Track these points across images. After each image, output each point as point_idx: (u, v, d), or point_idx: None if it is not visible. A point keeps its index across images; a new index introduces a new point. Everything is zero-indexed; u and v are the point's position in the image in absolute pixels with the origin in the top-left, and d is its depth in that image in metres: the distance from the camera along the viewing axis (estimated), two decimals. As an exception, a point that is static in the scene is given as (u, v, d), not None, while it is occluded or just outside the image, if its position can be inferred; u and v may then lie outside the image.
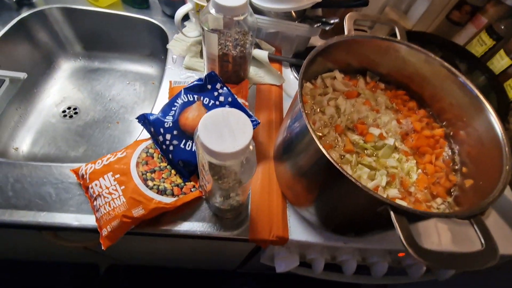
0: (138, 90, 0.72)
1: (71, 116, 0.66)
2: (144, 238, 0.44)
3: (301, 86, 0.34)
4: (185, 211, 0.43)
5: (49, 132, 0.63)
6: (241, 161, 0.32)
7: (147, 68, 0.75)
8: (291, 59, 0.63)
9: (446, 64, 0.39)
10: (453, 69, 0.39)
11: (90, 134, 0.64)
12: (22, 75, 0.49)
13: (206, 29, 0.46)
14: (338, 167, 0.28)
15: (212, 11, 0.43)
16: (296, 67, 0.64)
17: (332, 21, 0.55)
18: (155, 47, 0.71)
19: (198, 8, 0.55)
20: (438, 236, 0.47)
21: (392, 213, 0.27)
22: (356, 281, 0.54)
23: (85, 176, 0.41)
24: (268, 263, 0.55)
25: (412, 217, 0.28)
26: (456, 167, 0.40)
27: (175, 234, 0.41)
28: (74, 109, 0.67)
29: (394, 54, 0.44)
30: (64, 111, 0.67)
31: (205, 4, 0.54)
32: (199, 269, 1.13)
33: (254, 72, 0.60)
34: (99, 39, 0.72)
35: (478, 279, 0.67)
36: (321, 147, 0.29)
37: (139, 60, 0.75)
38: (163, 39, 0.66)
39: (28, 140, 0.60)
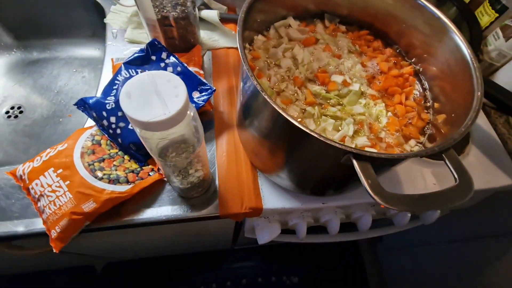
0: (88, 77, 0.65)
1: (16, 117, 0.60)
2: (117, 231, 0.40)
3: (241, 40, 0.29)
4: (146, 197, 0.39)
5: (-7, 137, 0.57)
6: (182, 132, 0.28)
7: (93, 51, 0.68)
8: (246, 16, 0.57)
9: None
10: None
11: (40, 133, 0.58)
12: None
13: (134, -12, 0.40)
14: (292, 120, 0.24)
15: (133, -37, 0.36)
16: (253, 25, 0.58)
17: (281, -37, 0.48)
18: (96, 25, 0.63)
19: (128, -31, 0.48)
20: (424, 181, 0.46)
21: (354, 162, 0.24)
22: (344, 239, 0.53)
23: (23, 177, 0.36)
24: (251, 236, 0.53)
25: (378, 162, 0.25)
26: (428, 104, 0.37)
27: (138, 223, 0.38)
28: (18, 108, 0.61)
29: (350, -12, 0.39)
30: (7, 112, 0.60)
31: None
32: (196, 252, 1.12)
33: (207, 36, 0.54)
34: (32, 25, 0.63)
35: (466, 215, 0.68)
36: (270, 101, 0.25)
37: (82, 43, 0.67)
38: (101, 14, 0.58)
39: (-31, 149, 0.54)
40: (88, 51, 0.68)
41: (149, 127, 0.24)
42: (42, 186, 0.35)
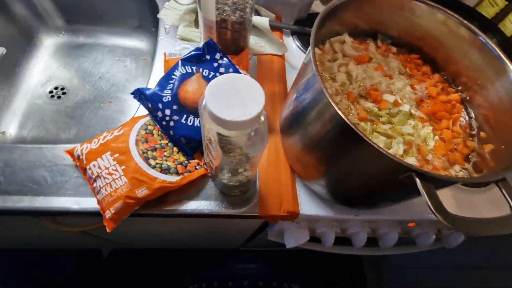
0: (129, 66, 0.67)
1: (59, 97, 0.62)
2: (147, 220, 0.42)
3: (313, 46, 0.30)
4: (190, 189, 0.41)
5: (36, 114, 0.59)
6: (249, 132, 0.30)
7: (136, 42, 0.70)
8: (293, 26, 0.59)
9: (467, 23, 0.36)
10: (475, 29, 0.36)
11: (81, 115, 0.60)
12: (1, 50, 0.44)
13: (202, -10, 0.42)
14: (359, 132, 0.26)
15: (209, -32, 0.38)
16: (298, 35, 0.60)
17: (338, -19, 0.50)
18: (144, 18, 0.66)
19: (191, -30, 0.50)
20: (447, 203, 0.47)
21: (418, 180, 0.25)
22: (365, 253, 0.54)
23: (81, 157, 0.38)
24: (275, 239, 0.55)
25: (437, 183, 0.26)
26: (473, 132, 0.38)
27: (182, 213, 0.39)
28: (62, 89, 0.63)
29: (407, 14, 0.41)
30: (51, 92, 0.62)
31: (198, -36, 0.49)
32: (202, 249, 1.14)
33: (254, 41, 0.56)
34: (82, 10, 0.66)
35: (483, 246, 0.69)
36: (338, 111, 0.27)
37: (128, 33, 0.70)
38: (153, 8, 0.60)
39: (15, 123, 0.56)
40: (132, 41, 0.70)
41: (230, 126, 0.26)
42: (99, 167, 0.36)
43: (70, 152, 0.39)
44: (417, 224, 0.49)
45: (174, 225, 0.56)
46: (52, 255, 1.07)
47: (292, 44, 0.60)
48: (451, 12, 0.37)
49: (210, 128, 0.29)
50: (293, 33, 0.60)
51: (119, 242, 0.88)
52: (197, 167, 0.41)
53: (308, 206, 0.43)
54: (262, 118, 0.29)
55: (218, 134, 0.28)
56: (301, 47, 0.59)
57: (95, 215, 0.37)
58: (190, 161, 0.41)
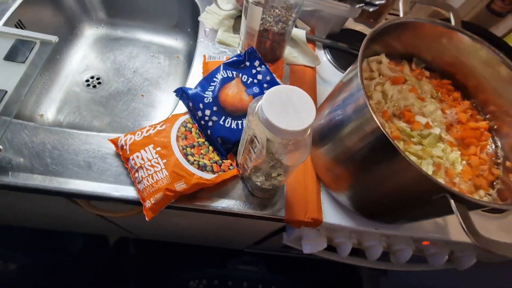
0: (163, 63, 0.70)
1: (94, 86, 0.64)
2: (171, 212, 0.44)
3: (361, 64, 0.33)
4: (221, 188, 0.43)
5: (73, 101, 0.61)
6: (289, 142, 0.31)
7: (171, 41, 0.73)
8: (327, 40, 0.61)
9: (509, 61, 0.38)
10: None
11: (114, 106, 0.63)
12: (54, 38, 0.46)
13: (251, 1, 0.44)
14: (401, 152, 0.28)
15: (262, -18, 0.40)
16: (330, 49, 0.62)
17: (377, 2, 0.52)
18: (182, 18, 0.69)
19: (237, -21, 0.53)
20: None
21: (452, 202, 0.27)
22: (378, 267, 0.55)
23: (124, 147, 0.40)
24: (291, 244, 0.56)
25: (470, 206, 0.28)
26: (499, 160, 0.40)
27: (214, 210, 0.41)
28: (98, 78, 0.66)
29: (445, 42, 0.42)
30: (87, 80, 0.65)
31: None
32: (206, 246, 1.15)
33: (287, 51, 0.58)
34: (124, 5, 0.69)
35: (493, 270, 0.70)
36: (383, 130, 0.29)
37: (164, 31, 0.72)
38: (193, 10, 0.63)
39: (53, 108, 0.59)
40: (167, 40, 0.73)
41: (282, 133, 0.28)
42: (142, 159, 0.39)
43: (114, 141, 0.42)
44: (432, 243, 0.51)
45: (195, 219, 0.58)
46: (61, 236, 1.09)
47: (323, 57, 0.62)
48: (494, 49, 0.39)
49: (259, 132, 0.31)
50: (325, 47, 0.63)
51: (130, 231, 0.90)
52: (230, 167, 0.43)
53: (331, 215, 0.44)
54: (308, 131, 0.31)
55: (268, 140, 0.30)
56: (331, 61, 0.61)
57: (132, 203, 0.39)
58: (224, 161, 0.43)
